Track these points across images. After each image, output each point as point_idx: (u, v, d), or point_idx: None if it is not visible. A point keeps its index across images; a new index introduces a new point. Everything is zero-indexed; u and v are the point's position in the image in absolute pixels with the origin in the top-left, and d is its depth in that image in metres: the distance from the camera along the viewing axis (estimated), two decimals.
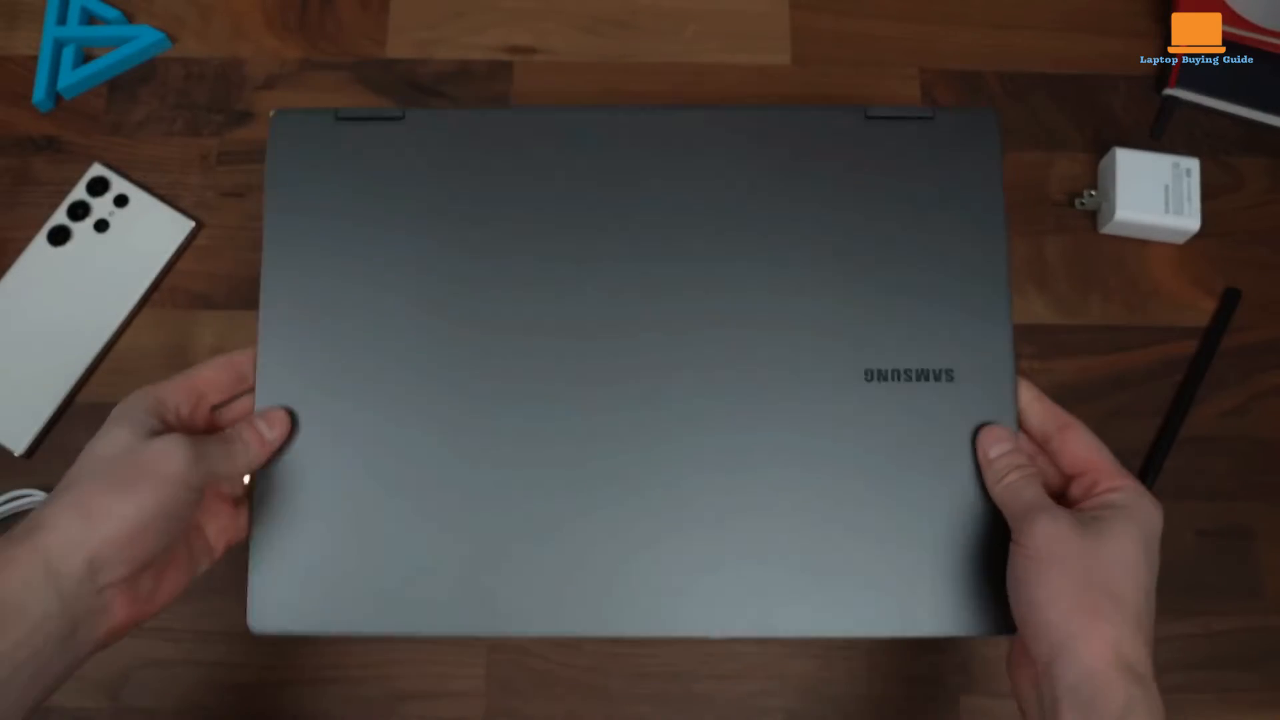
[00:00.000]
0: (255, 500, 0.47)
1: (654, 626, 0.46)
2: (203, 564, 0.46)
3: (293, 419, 0.47)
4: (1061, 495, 0.45)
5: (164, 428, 0.43)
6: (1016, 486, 0.44)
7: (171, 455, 0.41)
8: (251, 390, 0.47)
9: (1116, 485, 0.43)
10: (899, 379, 0.47)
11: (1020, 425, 0.47)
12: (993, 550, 0.45)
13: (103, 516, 0.40)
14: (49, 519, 0.40)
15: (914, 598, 0.46)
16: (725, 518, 0.46)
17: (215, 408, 0.47)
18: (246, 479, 0.47)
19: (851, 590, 0.45)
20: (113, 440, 0.42)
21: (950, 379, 0.47)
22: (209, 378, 0.46)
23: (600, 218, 0.48)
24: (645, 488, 0.46)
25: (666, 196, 0.49)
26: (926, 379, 0.47)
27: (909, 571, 0.46)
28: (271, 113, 0.50)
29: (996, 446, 0.45)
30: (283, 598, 0.46)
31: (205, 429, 0.46)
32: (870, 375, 0.47)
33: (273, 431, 0.46)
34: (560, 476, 0.46)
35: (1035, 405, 0.47)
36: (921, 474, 0.46)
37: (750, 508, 0.46)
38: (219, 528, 0.46)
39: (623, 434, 0.46)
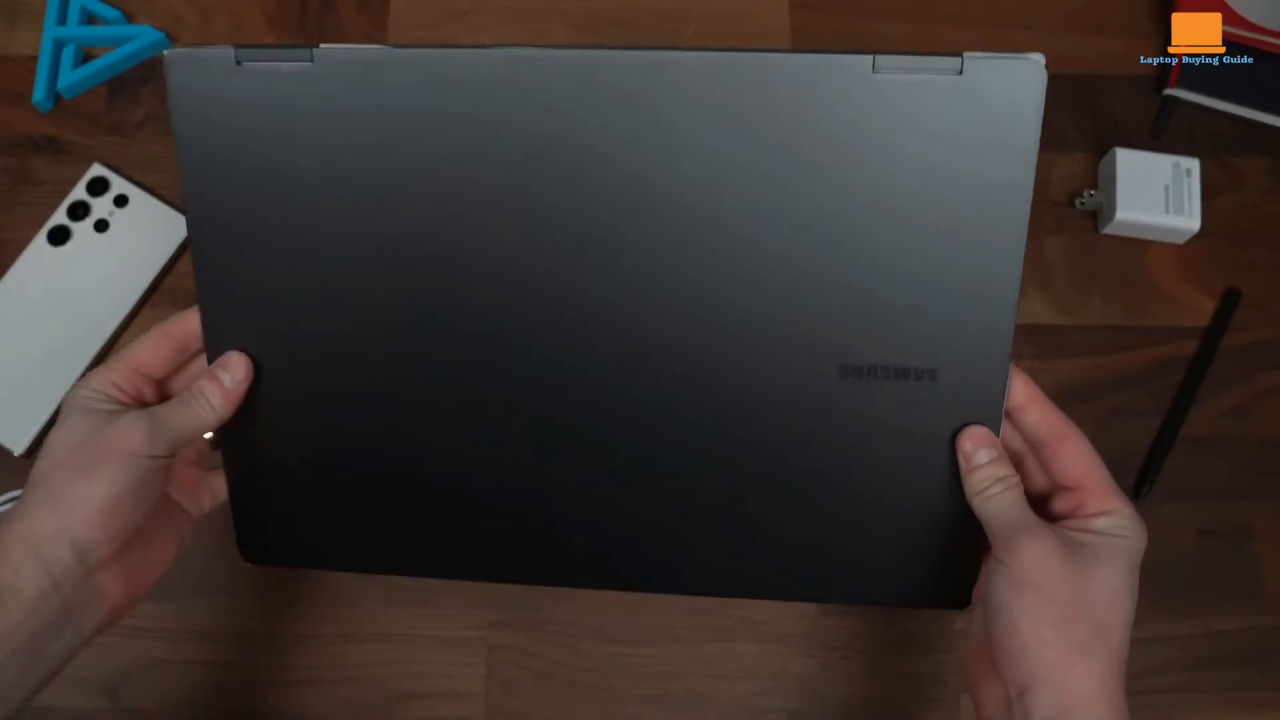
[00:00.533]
0: (228, 437, 0.47)
1: (624, 584, 0.49)
2: (186, 530, 0.46)
3: (254, 362, 0.45)
4: (1045, 500, 0.44)
5: (121, 409, 0.43)
6: (1000, 502, 0.41)
7: (130, 431, 0.41)
8: (197, 355, 0.46)
9: (1107, 509, 0.41)
10: (877, 376, 0.42)
11: (1013, 422, 0.44)
12: (945, 528, 0.44)
13: (75, 502, 0.40)
14: (26, 514, 0.40)
15: (866, 570, 0.46)
16: (690, 495, 0.45)
17: (161, 380, 0.46)
18: (209, 435, 0.46)
19: (806, 560, 0.46)
20: (72, 428, 0.42)
21: (933, 378, 0.42)
22: (145, 359, 0.45)
23: (540, 175, 0.42)
24: (612, 456, 0.45)
25: (628, 154, 0.41)
26: (906, 378, 0.42)
27: (863, 544, 0.45)
28: (164, 53, 0.43)
29: (979, 454, 0.42)
30: (265, 531, 0.48)
31: (158, 402, 0.45)
32: (845, 371, 0.43)
33: (235, 376, 0.44)
34: (523, 448, 0.45)
35: (1034, 408, 0.43)
36: (889, 468, 0.44)
37: (715, 486, 0.45)
38: (189, 491, 0.47)
39: (582, 402, 0.44)
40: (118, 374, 0.44)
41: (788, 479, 0.45)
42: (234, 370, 0.45)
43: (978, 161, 0.40)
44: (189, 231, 0.45)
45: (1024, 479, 0.43)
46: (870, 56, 0.39)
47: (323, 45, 0.42)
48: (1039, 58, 0.40)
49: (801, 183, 0.41)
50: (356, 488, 0.47)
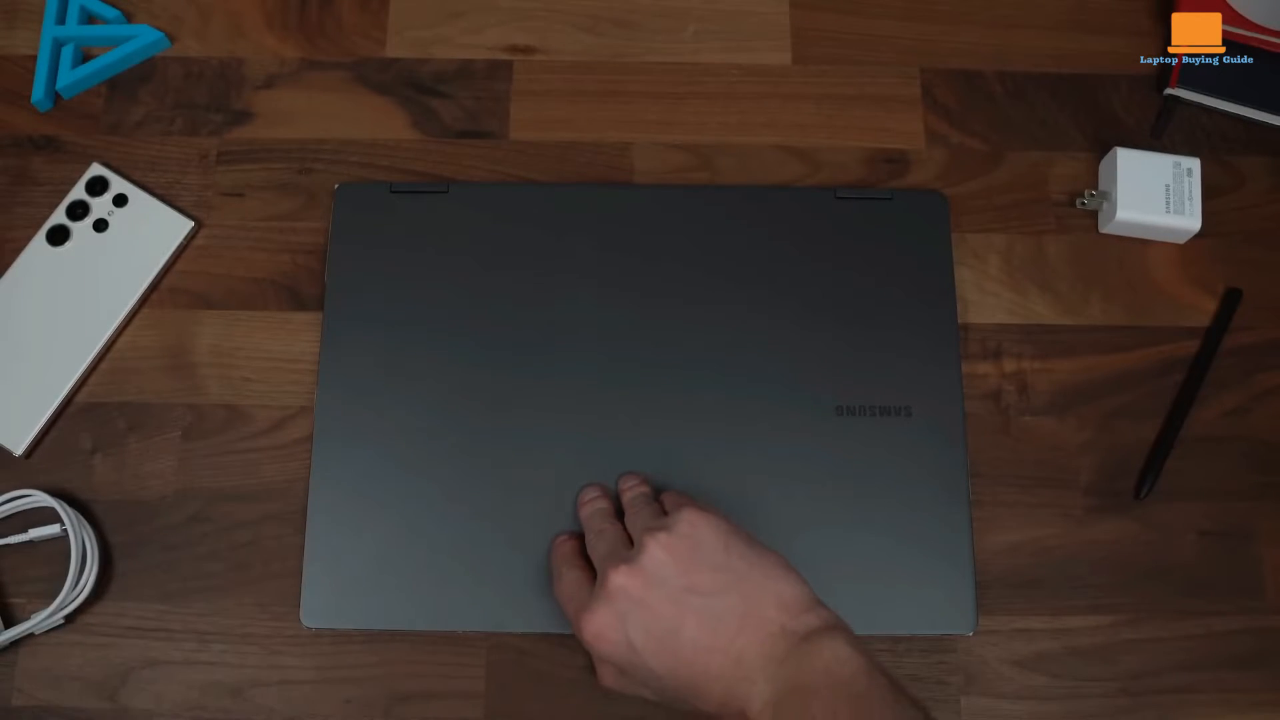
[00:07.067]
0: (310, 505, 0.54)
1: None
2: None
3: (350, 432, 0.55)
4: None
5: None
6: None
7: None
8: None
9: None
10: (865, 414, 0.55)
11: None
12: (947, 561, 0.53)
13: None
14: None
15: (878, 601, 0.53)
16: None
17: None
18: None
19: (823, 594, 0.51)
20: None
21: (909, 415, 0.55)
22: None
23: (605, 276, 0.57)
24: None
25: (671, 260, 0.57)
26: (889, 414, 0.55)
27: (873, 578, 0.53)
28: (336, 185, 0.59)
29: None
30: (333, 596, 0.53)
31: None
32: (841, 410, 0.55)
33: None
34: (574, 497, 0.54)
35: None
36: (883, 493, 0.54)
37: (742, 520, 0.51)
38: None
39: (638, 451, 0.54)
40: None
41: (798, 508, 0.54)
42: None
43: (913, 257, 0.58)
44: (325, 319, 0.57)
45: None
46: (833, 190, 0.59)
47: (455, 182, 0.60)
48: (940, 194, 0.59)
49: (799, 274, 0.58)
50: (423, 557, 0.53)
